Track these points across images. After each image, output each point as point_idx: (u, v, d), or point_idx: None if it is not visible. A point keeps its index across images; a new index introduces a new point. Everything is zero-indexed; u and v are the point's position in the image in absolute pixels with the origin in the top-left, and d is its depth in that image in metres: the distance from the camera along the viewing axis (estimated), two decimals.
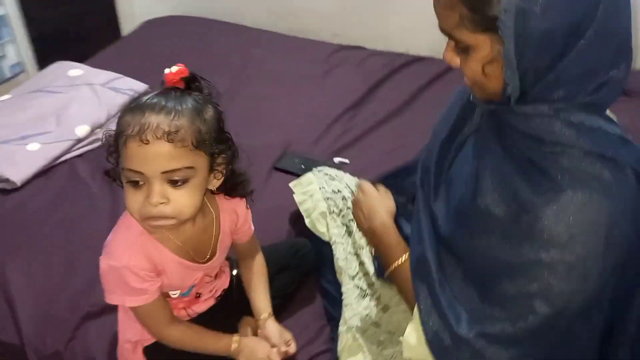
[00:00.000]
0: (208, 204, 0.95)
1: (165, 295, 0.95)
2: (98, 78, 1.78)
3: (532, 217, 0.70)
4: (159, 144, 0.77)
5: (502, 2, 0.64)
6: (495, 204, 0.76)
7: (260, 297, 1.06)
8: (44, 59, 2.65)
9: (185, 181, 0.80)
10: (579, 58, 0.66)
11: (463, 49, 0.73)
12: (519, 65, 0.67)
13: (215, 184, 0.88)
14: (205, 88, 0.87)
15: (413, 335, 0.84)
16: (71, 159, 1.55)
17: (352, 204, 1.07)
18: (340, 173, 1.35)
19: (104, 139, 0.85)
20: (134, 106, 0.80)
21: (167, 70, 0.83)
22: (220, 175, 0.88)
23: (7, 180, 1.41)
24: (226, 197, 0.97)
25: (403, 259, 0.93)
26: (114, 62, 2.01)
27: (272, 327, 1.03)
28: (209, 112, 0.84)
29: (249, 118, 1.73)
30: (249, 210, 1.03)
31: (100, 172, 1.43)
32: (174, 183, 0.80)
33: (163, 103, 0.79)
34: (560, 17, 0.64)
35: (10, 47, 2.68)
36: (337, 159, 1.58)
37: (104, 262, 0.87)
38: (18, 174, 1.42)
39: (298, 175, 1.42)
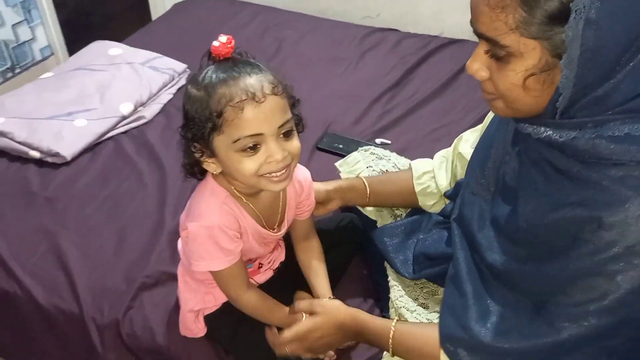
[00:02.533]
0: None
1: (244, 263, 0.97)
2: (137, 57, 1.80)
3: (595, 233, 0.67)
4: (271, 99, 0.79)
5: (573, 3, 0.61)
6: (547, 228, 0.73)
7: (321, 282, 1.05)
8: (73, 42, 2.67)
9: (291, 130, 0.85)
10: (632, 74, 0.64)
11: (502, 57, 0.67)
12: (577, 74, 0.63)
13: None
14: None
15: None
16: (116, 135, 1.56)
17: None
18: (387, 152, 1.35)
19: (189, 128, 0.84)
20: (218, 80, 0.80)
21: (216, 43, 0.83)
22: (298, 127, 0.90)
23: (57, 155, 1.43)
24: None
25: (392, 331, 0.90)
26: (147, 44, 2.01)
27: None
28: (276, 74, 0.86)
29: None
30: (313, 185, 1.05)
31: (146, 149, 1.49)
32: (285, 135, 0.83)
33: (244, 68, 0.81)
34: (623, 30, 0.62)
35: (40, 30, 2.70)
36: (378, 140, 1.59)
37: (195, 226, 0.88)
38: (68, 149, 1.45)
39: (341, 155, 1.43)
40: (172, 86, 1.77)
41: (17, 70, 2.55)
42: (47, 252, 1.24)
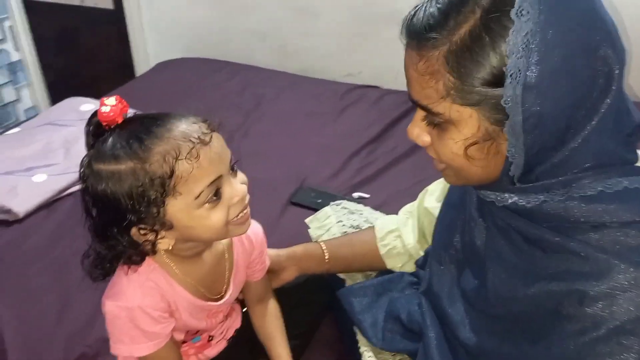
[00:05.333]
0: None
1: (175, 343, 0.84)
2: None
3: (578, 309, 0.57)
4: (215, 136, 0.70)
5: (507, 68, 0.53)
6: (521, 303, 0.63)
7: (279, 347, 0.94)
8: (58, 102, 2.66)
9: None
10: (597, 133, 0.57)
11: (439, 125, 0.61)
12: (525, 141, 0.56)
13: None
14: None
15: None
16: (77, 191, 1.47)
17: None
18: (360, 206, 1.27)
19: (120, 213, 0.68)
20: (141, 142, 0.67)
21: (106, 108, 0.68)
22: None
23: (9, 212, 1.34)
24: None
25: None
26: (126, 100, 1.98)
27: None
28: None
29: (263, 153, 1.67)
30: (265, 242, 0.93)
31: None
32: (232, 169, 0.74)
33: (157, 120, 0.69)
34: (569, 92, 0.54)
35: (25, 91, 2.71)
36: (356, 194, 1.50)
37: (112, 305, 0.75)
38: (21, 206, 1.35)
39: (315, 210, 1.36)
40: None
41: (0, 130, 2.53)
42: None
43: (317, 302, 1.11)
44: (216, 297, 0.86)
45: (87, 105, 1.79)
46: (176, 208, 0.69)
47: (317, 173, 1.59)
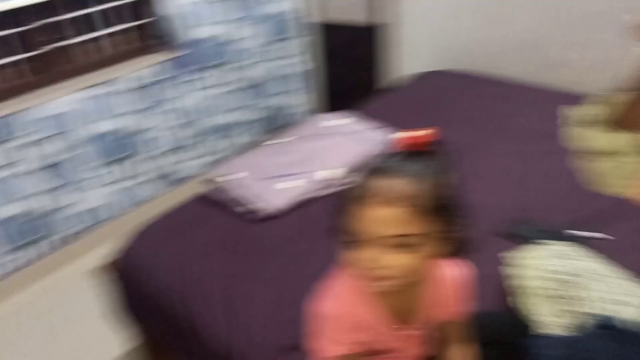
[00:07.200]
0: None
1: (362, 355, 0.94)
2: (352, 128, 1.98)
3: None
4: (381, 208, 0.75)
5: None
6: None
7: None
8: (331, 108, 3.10)
9: (412, 245, 0.77)
10: None
11: None
12: None
13: (440, 250, 0.83)
14: (446, 153, 0.83)
15: None
16: (312, 199, 1.72)
17: None
18: (571, 250, 1.14)
19: (341, 197, 0.82)
20: (375, 168, 0.79)
21: (410, 134, 0.81)
22: (448, 243, 0.83)
23: (256, 211, 1.65)
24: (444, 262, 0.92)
25: None
26: (378, 113, 2.18)
27: None
28: (449, 179, 0.81)
29: (485, 174, 1.64)
30: (467, 285, 0.95)
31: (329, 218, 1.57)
32: (401, 247, 0.77)
33: (400, 166, 0.78)
34: None
35: (301, 96, 3.23)
36: (584, 233, 1.33)
37: (313, 305, 0.90)
38: (269, 205, 1.66)
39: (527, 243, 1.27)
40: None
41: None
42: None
43: (514, 338, 1.07)
44: (404, 325, 0.93)
45: (332, 122, 2.05)
46: (352, 224, 0.79)
47: (537, 204, 1.48)
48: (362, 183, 0.78)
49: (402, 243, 0.76)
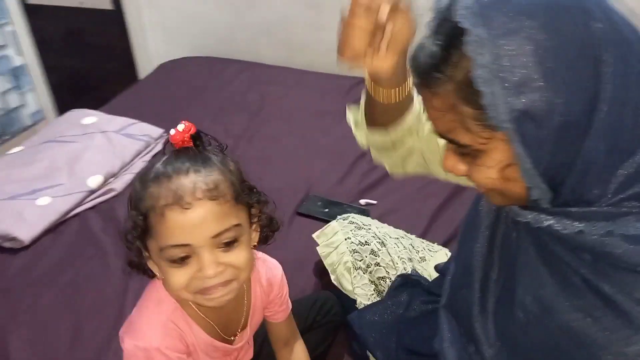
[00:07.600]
0: None
1: None
2: (112, 125, 1.73)
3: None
4: (203, 205, 0.67)
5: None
6: (548, 330, 0.61)
7: None
8: (63, 106, 2.65)
9: (234, 241, 0.70)
10: (601, 136, 0.53)
11: (470, 154, 0.60)
12: (537, 165, 0.55)
13: (255, 237, 0.78)
14: (212, 141, 0.76)
15: None
16: (83, 211, 1.47)
17: None
18: (367, 220, 1.23)
19: (128, 223, 0.71)
20: (154, 176, 0.69)
21: (172, 131, 0.72)
22: (258, 227, 0.78)
23: (14, 239, 1.34)
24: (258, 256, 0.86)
25: None
26: (131, 106, 1.97)
27: None
28: (232, 164, 0.74)
29: (268, 158, 1.65)
30: (285, 282, 0.91)
31: (113, 226, 1.40)
32: (224, 245, 0.69)
33: (187, 163, 0.69)
34: (564, 107, 0.52)
35: (30, 96, 2.70)
36: (363, 201, 1.47)
37: (130, 343, 0.75)
38: (27, 232, 1.35)
39: (322, 221, 1.33)
40: (147, 153, 1.68)
41: (6, 137, 2.54)
42: None
43: (329, 322, 1.10)
44: (231, 337, 0.85)
45: (88, 119, 1.77)
46: (152, 246, 0.70)
47: (324, 178, 1.56)
48: (155, 190, 0.67)
49: (232, 238, 0.70)
